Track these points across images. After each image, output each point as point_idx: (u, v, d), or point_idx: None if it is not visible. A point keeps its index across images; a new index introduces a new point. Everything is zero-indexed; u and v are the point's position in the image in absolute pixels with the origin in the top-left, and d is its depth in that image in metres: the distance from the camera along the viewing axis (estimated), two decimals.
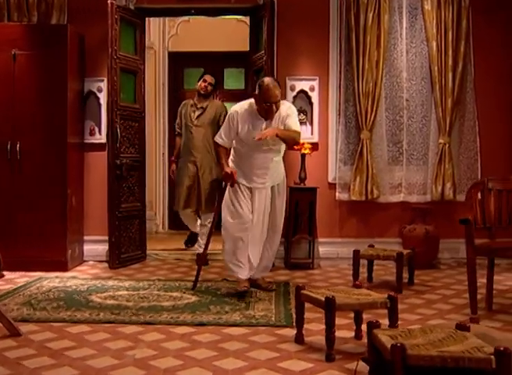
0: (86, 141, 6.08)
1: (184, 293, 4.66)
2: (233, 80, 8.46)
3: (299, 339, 3.37)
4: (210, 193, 5.90)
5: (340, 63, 6.04)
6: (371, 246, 5.22)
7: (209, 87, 6.06)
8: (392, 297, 3.11)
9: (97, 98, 6.07)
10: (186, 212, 6.22)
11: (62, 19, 5.92)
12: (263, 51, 5.71)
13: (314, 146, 6.00)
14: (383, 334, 2.41)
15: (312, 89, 6.04)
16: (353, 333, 3.45)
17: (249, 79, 6.26)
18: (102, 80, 5.97)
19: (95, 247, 6.01)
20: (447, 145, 5.90)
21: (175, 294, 4.62)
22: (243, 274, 4.62)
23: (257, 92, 4.48)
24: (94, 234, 6.03)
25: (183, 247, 6.61)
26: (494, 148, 6.01)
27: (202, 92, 6.06)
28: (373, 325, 2.51)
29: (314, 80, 6.05)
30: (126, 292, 4.66)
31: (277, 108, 4.49)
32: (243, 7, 6.03)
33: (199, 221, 6.21)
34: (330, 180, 6.09)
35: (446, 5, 5.87)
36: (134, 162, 5.97)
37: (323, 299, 3.07)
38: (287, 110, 4.58)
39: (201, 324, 3.76)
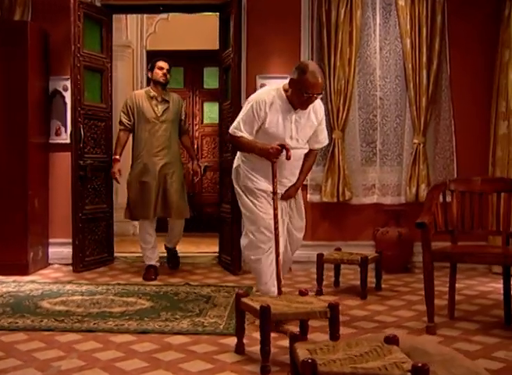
0: (51, 142, 5.93)
1: (140, 298, 4.49)
2: (213, 79, 8.28)
3: (239, 349, 3.20)
4: (181, 196, 5.37)
5: (312, 61, 5.85)
6: (338, 249, 5.05)
7: (167, 75, 5.40)
8: (333, 306, 2.94)
9: (63, 97, 5.91)
10: (152, 223, 5.40)
11: (25, 16, 5.76)
12: (230, 49, 5.55)
13: None
14: (302, 348, 2.24)
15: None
16: None
17: (220, 78, 6.06)
18: (68, 79, 5.79)
19: (60, 249, 5.85)
20: (422, 145, 5.71)
21: (130, 299, 4.46)
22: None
23: (295, 77, 3.73)
24: (59, 237, 5.87)
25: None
26: (470, 148, 5.82)
27: (162, 81, 5.36)
28: (294, 337, 2.34)
29: (284, 78, 5.80)
30: (80, 297, 4.50)
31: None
32: (213, 4, 5.88)
33: (153, 236, 5.41)
34: None
35: (421, 1, 5.68)
36: (100, 163, 5.81)
37: (258, 308, 2.90)
38: (320, 111, 3.97)
39: (144, 332, 3.59)
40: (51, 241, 5.92)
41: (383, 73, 5.86)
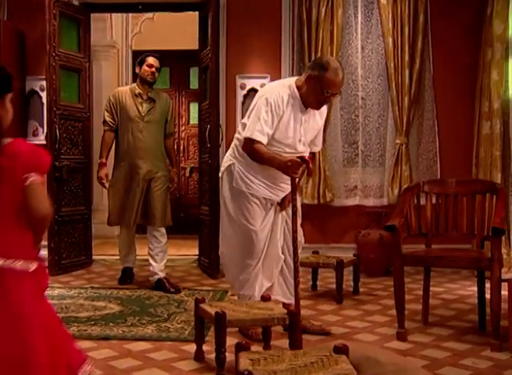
0: (29, 142, 5.82)
1: (110, 302, 4.39)
2: None
3: (198, 356, 3.10)
4: (164, 203, 4.94)
5: (292, 60, 5.77)
6: (316, 253, 4.95)
7: (156, 74, 4.96)
8: (292, 313, 2.84)
9: (40, 98, 5.85)
10: (132, 230, 5.06)
11: (1, 15, 5.68)
12: (208, 48, 5.45)
13: None
14: (245, 358, 2.14)
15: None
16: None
17: (199, 78, 5.97)
18: (45, 79, 5.72)
19: None
20: (404, 146, 5.61)
21: (100, 303, 4.36)
22: None
23: (315, 73, 3.27)
24: None
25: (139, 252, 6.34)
26: (454, 149, 5.72)
27: (149, 79, 4.92)
28: (240, 347, 2.24)
29: (265, 78, 5.78)
30: (49, 301, 4.39)
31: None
32: (192, 2, 5.79)
33: (133, 242, 5.12)
34: None
35: None
36: (77, 164, 5.73)
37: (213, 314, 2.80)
38: (325, 112, 3.64)
39: (106, 338, 3.49)
40: None
41: (365, 73, 5.77)
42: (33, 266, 1.97)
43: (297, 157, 3.22)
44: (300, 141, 3.42)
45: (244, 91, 5.78)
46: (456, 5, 5.68)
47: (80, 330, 3.65)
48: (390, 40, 5.60)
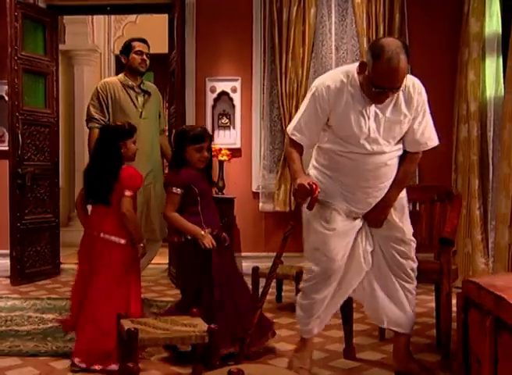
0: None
1: (60, 314, 4.21)
2: None
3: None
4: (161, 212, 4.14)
5: (264, 62, 5.57)
6: (280, 262, 4.70)
7: (147, 61, 4.37)
8: (212, 330, 2.62)
9: (6, 102, 5.68)
10: None
11: None
12: (175, 51, 5.27)
13: (237, 152, 5.54)
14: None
15: (234, 90, 5.58)
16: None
17: (169, 81, 5.77)
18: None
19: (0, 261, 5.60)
20: None
21: (49, 316, 4.18)
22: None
23: (367, 61, 2.64)
24: None
25: None
26: (433, 154, 5.33)
27: (141, 69, 4.34)
28: (124, 370, 2.02)
29: (235, 80, 5.58)
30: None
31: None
32: (160, 4, 5.62)
33: None
34: (254, 189, 5.61)
35: None
36: (43, 171, 5.56)
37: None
38: (418, 98, 2.79)
39: (34, 355, 3.30)
40: None
41: None
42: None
43: (309, 182, 2.67)
44: (369, 139, 2.73)
45: (214, 95, 5.58)
46: (433, 3, 5.43)
47: (12, 346, 3.47)
48: (365, 40, 5.36)
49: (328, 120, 2.78)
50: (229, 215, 5.35)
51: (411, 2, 5.43)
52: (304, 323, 3.03)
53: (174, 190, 3.20)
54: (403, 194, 2.97)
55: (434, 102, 5.36)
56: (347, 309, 3.25)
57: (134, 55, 4.34)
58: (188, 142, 3.22)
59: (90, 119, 4.43)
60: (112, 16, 7.65)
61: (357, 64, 2.76)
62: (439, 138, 5.42)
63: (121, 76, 4.47)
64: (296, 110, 5.26)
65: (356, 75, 2.73)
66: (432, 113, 5.54)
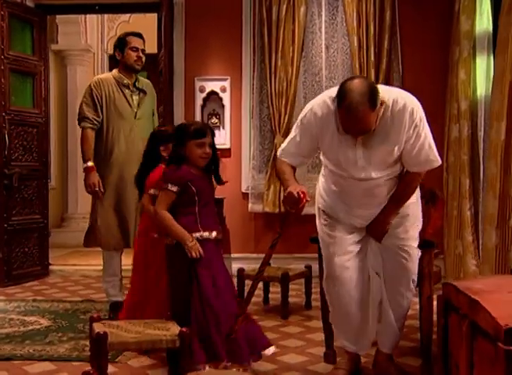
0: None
1: (43, 317, 4.15)
2: None
3: None
4: None
5: (253, 61, 5.52)
6: (268, 264, 4.64)
7: (143, 58, 4.09)
8: (183, 334, 2.56)
9: None
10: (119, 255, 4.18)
11: None
12: (163, 50, 5.22)
13: (227, 152, 5.48)
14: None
15: (224, 90, 5.53)
16: None
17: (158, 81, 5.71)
18: None
19: None
20: None
21: (31, 318, 4.12)
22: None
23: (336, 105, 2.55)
24: None
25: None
26: None
27: (137, 67, 4.06)
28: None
29: (225, 80, 5.53)
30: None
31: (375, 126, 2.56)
32: (149, 3, 5.55)
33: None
34: (244, 189, 5.55)
35: None
36: (31, 171, 5.51)
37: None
38: (409, 119, 2.61)
39: (9, 359, 3.24)
40: None
41: (330, 74, 5.48)
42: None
43: (298, 190, 2.60)
44: (357, 167, 2.66)
45: (204, 94, 5.53)
46: (424, 1, 5.37)
47: None
48: (355, 38, 5.30)
49: (318, 145, 2.74)
50: (219, 216, 5.29)
51: (402, 1, 5.37)
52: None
53: (170, 187, 2.93)
54: (414, 199, 2.87)
55: (426, 102, 5.34)
56: (326, 311, 3.18)
57: (130, 52, 4.03)
58: (188, 137, 2.94)
59: (82, 118, 4.11)
60: (106, 16, 7.61)
61: None
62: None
63: (115, 72, 4.14)
64: (286, 109, 5.26)
65: (333, 109, 2.63)
66: (424, 112, 5.50)
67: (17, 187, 5.34)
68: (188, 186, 2.95)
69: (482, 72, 4.77)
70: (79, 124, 4.21)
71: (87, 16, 7.43)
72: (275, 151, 5.27)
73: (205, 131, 2.99)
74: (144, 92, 4.14)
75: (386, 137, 2.60)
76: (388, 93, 2.62)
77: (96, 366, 2.50)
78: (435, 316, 2.86)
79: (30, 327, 3.89)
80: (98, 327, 2.68)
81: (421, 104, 5.56)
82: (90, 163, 4.03)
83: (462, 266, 4.77)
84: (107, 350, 2.52)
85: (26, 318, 4.13)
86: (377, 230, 2.79)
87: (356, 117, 2.45)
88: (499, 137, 3.79)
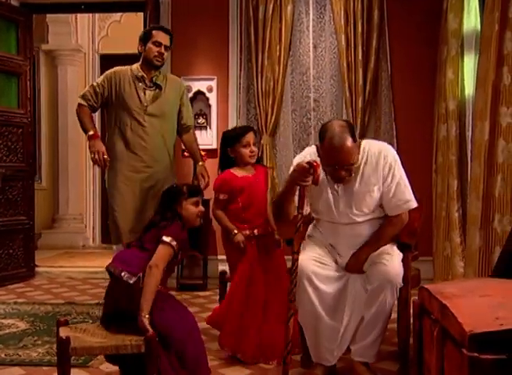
0: None
1: (22, 320, 4.09)
2: None
3: None
4: None
5: (240, 61, 5.45)
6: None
7: (165, 54, 3.86)
8: (149, 339, 2.49)
9: None
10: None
11: None
12: None
13: (213, 153, 5.40)
14: None
15: (210, 90, 5.46)
16: None
17: None
18: None
19: None
20: None
21: (9, 321, 4.07)
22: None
23: (318, 144, 2.82)
24: None
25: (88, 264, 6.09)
26: (413, 154, 5.27)
27: (156, 63, 3.82)
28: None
29: (211, 79, 5.46)
30: None
31: (351, 171, 2.77)
32: (136, 2, 5.49)
33: None
34: None
35: None
36: (16, 172, 5.45)
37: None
38: (382, 162, 2.82)
39: None
40: None
41: (318, 73, 5.41)
42: None
43: (306, 162, 2.67)
44: (339, 212, 2.86)
45: (190, 94, 5.45)
46: (415, 1, 5.29)
47: None
48: (343, 37, 5.22)
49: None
50: (205, 217, 5.23)
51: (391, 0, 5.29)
52: None
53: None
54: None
55: (414, 101, 5.32)
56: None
57: (151, 46, 3.79)
58: (183, 196, 2.88)
59: (84, 95, 3.86)
60: (97, 16, 7.55)
61: None
62: (419, 138, 5.34)
63: (135, 65, 3.89)
64: (272, 109, 5.18)
65: (317, 159, 2.80)
66: (412, 112, 5.41)
67: (1, 188, 5.28)
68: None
69: (470, 71, 4.70)
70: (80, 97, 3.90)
71: (78, 15, 7.39)
72: (261, 153, 5.24)
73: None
74: (160, 88, 3.85)
75: (365, 181, 2.81)
76: (364, 141, 2.92)
77: (61, 372, 2.43)
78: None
79: (7, 331, 3.83)
80: (63, 332, 2.62)
81: (410, 103, 5.49)
82: (91, 132, 3.75)
83: (450, 268, 4.69)
84: (69, 355, 2.44)
85: (4, 321, 4.07)
86: (353, 266, 2.88)
87: (339, 147, 2.66)
88: (482, 137, 3.71)
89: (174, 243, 2.63)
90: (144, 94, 3.81)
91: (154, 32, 3.84)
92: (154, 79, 3.86)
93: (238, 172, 3.45)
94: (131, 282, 2.58)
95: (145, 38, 3.84)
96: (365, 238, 2.88)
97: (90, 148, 3.76)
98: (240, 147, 3.37)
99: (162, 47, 3.82)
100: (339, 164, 2.70)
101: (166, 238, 2.63)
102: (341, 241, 2.92)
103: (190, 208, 2.81)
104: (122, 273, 2.61)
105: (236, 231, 3.38)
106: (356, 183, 2.81)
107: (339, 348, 2.86)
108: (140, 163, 3.84)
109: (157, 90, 3.86)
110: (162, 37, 3.83)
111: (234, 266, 3.46)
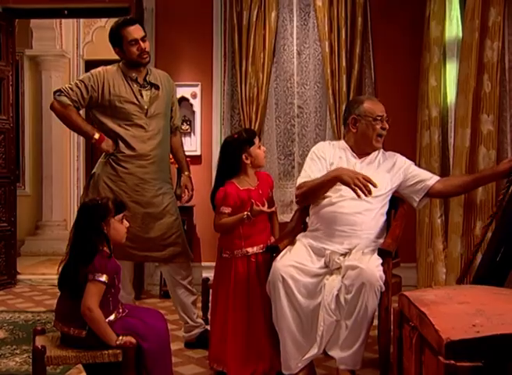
0: None
1: (1, 328, 4.05)
2: None
3: None
4: (178, 229, 3.62)
5: (224, 67, 5.43)
6: None
7: (148, 45, 3.46)
8: (126, 348, 2.46)
9: None
10: (127, 266, 3.57)
11: None
12: None
13: (197, 159, 5.40)
14: None
15: (194, 96, 5.44)
16: None
17: None
18: None
19: None
20: None
21: None
22: None
23: (357, 112, 3.19)
24: None
25: None
26: None
27: (143, 60, 3.44)
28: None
29: (195, 86, 5.45)
30: None
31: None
32: (119, 7, 5.46)
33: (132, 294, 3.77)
34: None
35: (340, 1, 5.22)
36: None
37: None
38: (398, 156, 3.37)
39: None
40: None
41: (302, 80, 5.41)
42: None
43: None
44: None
45: None
46: (397, 7, 5.32)
47: None
48: (327, 44, 5.22)
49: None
50: (189, 223, 5.22)
51: (374, 7, 5.30)
52: None
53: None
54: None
55: (398, 108, 5.32)
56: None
57: (130, 48, 3.39)
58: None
59: (61, 92, 3.40)
60: (81, 21, 7.51)
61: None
62: (403, 145, 5.35)
63: (123, 66, 3.50)
64: (257, 115, 5.19)
65: (344, 142, 3.28)
66: (396, 119, 5.44)
67: None
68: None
69: (453, 78, 4.71)
70: (54, 95, 3.46)
71: (63, 21, 7.35)
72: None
73: (124, 203, 2.68)
74: (157, 87, 3.52)
75: (381, 166, 3.22)
76: None
77: None
78: None
79: None
80: (40, 341, 2.59)
81: (395, 110, 5.50)
82: (96, 134, 3.41)
83: (433, 274, 4.70)
84: (44, 364, 2.41)
85: None
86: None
87: (377, 99, 3.34)
88: (463, 144, 3.72)
89: (103, 278, 2.43)
90: (141, 95, 3.45)
91: (123, 31, 3.41)
92: (147, 78, 3.50)
93: (240, 184, 3.17)
94: (83, 336, 2.46)
95: (117, 41, 3.44)
96: (359, 229, 3.01)
97: (100, 148, 3.45)
98: (256, 148, 3.17)
99: (140, 42, 3.39)
100: (383, 111, 3.21)
101: (92, 276, 2.42)
102: (336, 232, 3.02)
103: (119, 227, 2.55)
104: (71, 331, 2.48)
105: (246, 212, 3.07)
106: (372, 167, 3.18)
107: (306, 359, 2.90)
108: (140, 168, 3.47)
109: (153, 89, 3.50)
110: (134, 32, 3.40)
111: (220, 281, 3.29)
